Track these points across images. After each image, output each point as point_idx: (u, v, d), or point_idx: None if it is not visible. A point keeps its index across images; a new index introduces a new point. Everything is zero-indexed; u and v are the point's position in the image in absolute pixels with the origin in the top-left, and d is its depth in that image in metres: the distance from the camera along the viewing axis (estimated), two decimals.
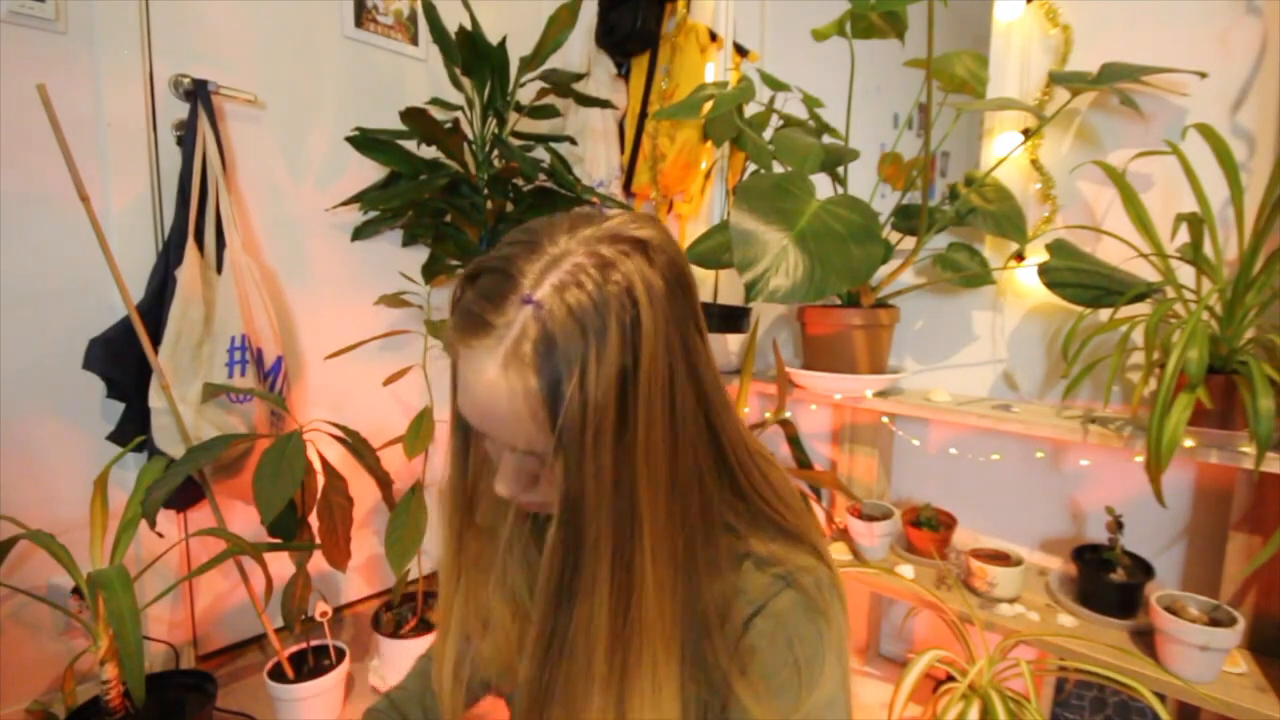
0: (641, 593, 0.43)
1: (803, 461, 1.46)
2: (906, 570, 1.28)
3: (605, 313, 0.41)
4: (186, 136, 1.34)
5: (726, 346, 1.57)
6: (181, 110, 1.37)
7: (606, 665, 0.43)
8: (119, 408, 1.30)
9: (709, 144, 1.78)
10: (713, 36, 1.76)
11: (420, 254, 1.76)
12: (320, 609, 1.35)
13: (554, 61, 1.59)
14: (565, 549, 0.43)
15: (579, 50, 1.93)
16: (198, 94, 1.33)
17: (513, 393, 0.42)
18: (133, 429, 1.28)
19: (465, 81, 1.52)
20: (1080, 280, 1.14)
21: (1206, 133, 1.00)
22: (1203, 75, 1.12)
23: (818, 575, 0.50)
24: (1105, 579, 1.11)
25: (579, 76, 1.60)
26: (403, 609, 1.53)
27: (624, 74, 1.94)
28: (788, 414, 1.43)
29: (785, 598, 0.48)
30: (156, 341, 1.26)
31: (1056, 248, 1.19)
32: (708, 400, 0.47)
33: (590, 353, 0.40)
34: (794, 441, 1.44)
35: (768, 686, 0.47)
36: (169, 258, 1.31)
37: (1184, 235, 1.06)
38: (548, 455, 0.43)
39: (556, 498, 0.43)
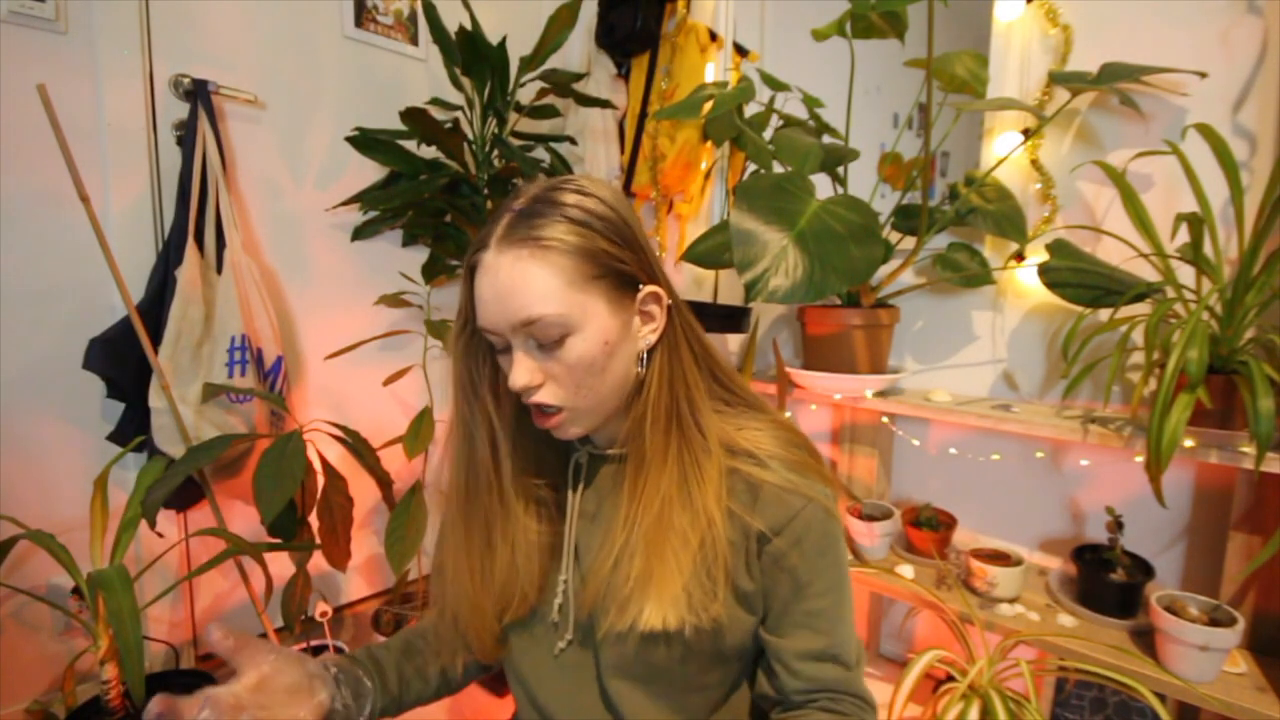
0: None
1: None
2: (906, 570, 1.28)
3: (593, 189, 0.59)
4: (186, 136, 1.34)
5: (726, 346, 1.57)
6: (181, 110, 1.37)
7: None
8: (119, 408, 1.30)
9: (709, 144, 1.78)
10: (713, 36, 1.76)
11: (420, 254, 1.76)
12: (320, 609, 1.34)
13: (554, 61, 1.59)
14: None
15: (579, 50, 1.92)
16: (198, 94, 1.33)
17: (542, 258, 0.55)
18: (133, 429, 1.28)
19: (465, 81, 1.52)
20: (1080, 280, 1.14)
21: (1206, 133, 1.00)
22: (1203, 75, 1.11)
23: (828, 509, 0.62)
24: (1105, 579, 1.11)
25: (579, 76, 1.60)
26: (403, 609, 1.53)
27: (624, 74, 1.94)
28: (788, 414, 1.43)
29: (806, 518, 0.60)
30: (156, 341, 1.26)
31: (1056, 248, 1.19)
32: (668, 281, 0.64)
33: (588, 205, 0.57)
34: None
35: (793, 588, 0.61)
36: (169, 258, 1.31)
37: (1184, 235, 1.06)
38: (583, 286, 0.56)
39: None
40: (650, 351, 0.60)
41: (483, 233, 0.58)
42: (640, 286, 0.59)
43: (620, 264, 0.57)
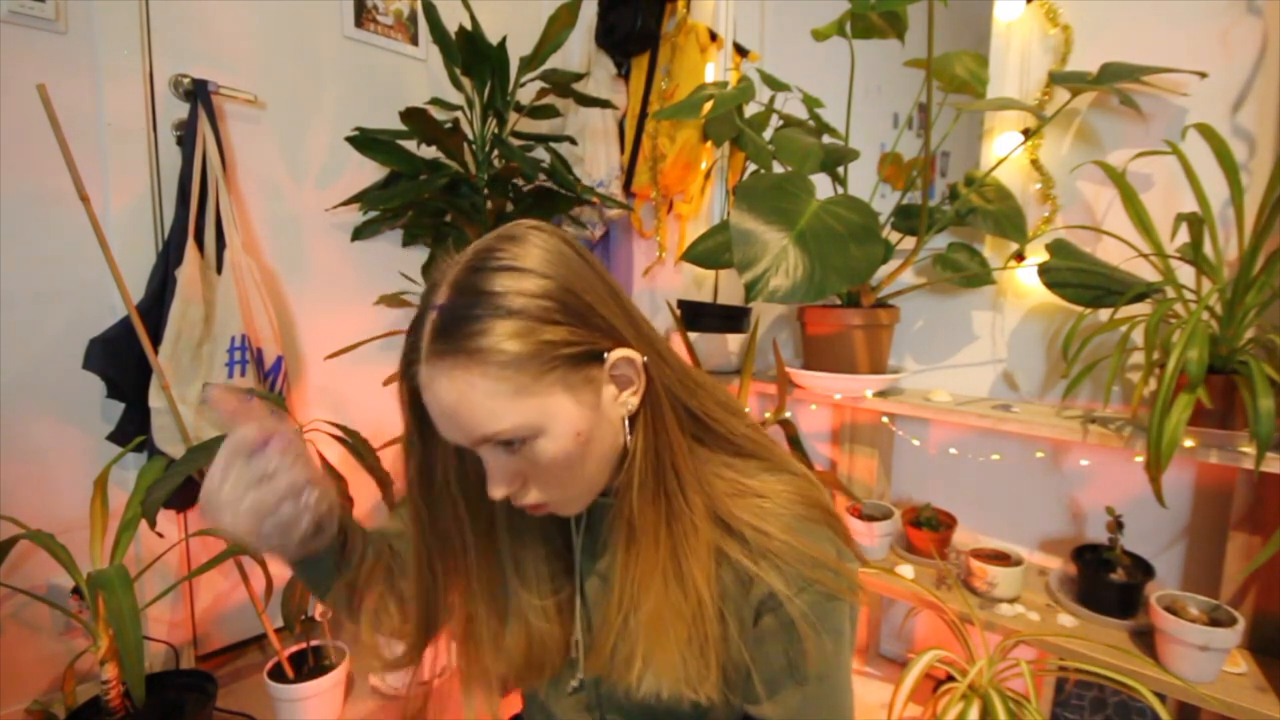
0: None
1: (803, 461, 1.46)
2: (906, 570, 1.28)
3: (524, 260, 0.50)
4: (186, 136, 1.34)
5: (726, 346, 1.57)
6: (181, 110, 1.37)
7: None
8: (119, 408, 1.30)
9: (709, 144, 1.78)
10: (713, 36, 1.76)
11: (420, 254, 1.76)
12: (320, 609, 1.34)
13: (554, 61, 1.59)
14: None
15: (579, 50, 1.93)
16: (198, 94, 1.33)
17: (480, 372, 0.48)
18: (133, 429, 1.28)
19: (465, 81, 1.52)
20: (1080, 280, 1.14)
21: (1206, 133, 1.00)
22: (1203, 75, 1.11)
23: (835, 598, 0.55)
24: (1105, 579, 1.11)
25: (579, 76, 1.60)
26: None
27: (624, 74, 1.94)
28: (788, 414, 1.43)
29: (799, 604, 0.53)
30: (156, 341, 1.26)
31: (1056, 248, 1.19)
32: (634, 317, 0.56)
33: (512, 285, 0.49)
34: (794, 441, 1.44)
35: (770, 678, 0.56)
36: (169, 258, 1.31)
37: (1184, 235, 1.06)
38: (536, 391, 0.50)
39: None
40: (634, 416, 0.55)
41: (412, 339, 0.52)
42: (605, 356, 0.52)
43: (573, 346, 0.50)
